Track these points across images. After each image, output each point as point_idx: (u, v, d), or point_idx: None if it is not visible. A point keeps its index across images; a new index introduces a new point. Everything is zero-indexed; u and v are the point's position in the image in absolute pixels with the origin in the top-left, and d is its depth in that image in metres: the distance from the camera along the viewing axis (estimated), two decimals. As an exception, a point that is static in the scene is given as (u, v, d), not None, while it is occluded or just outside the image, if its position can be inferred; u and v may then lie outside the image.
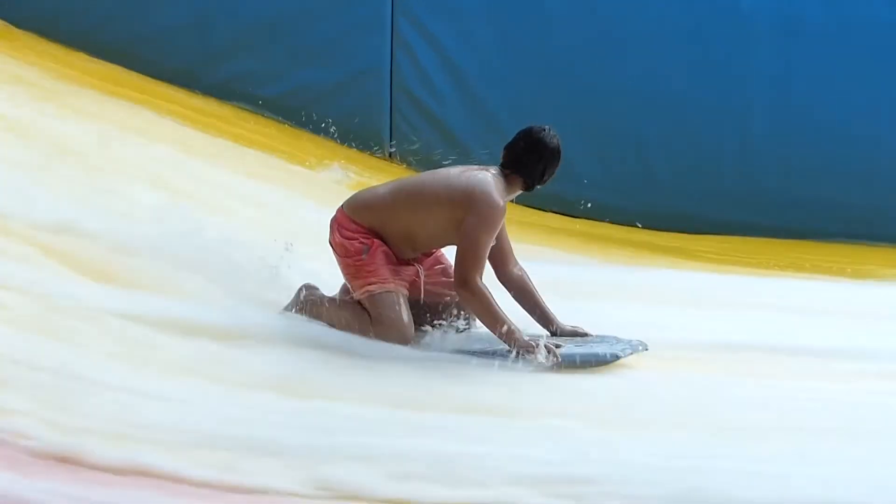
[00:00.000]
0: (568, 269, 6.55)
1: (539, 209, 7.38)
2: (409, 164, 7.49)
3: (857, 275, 6.77)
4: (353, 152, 7.31)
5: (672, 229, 7.37)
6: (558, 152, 4.94)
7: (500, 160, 4.90)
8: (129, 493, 3.36)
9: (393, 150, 7.52)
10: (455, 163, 6.20)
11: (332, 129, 7.22)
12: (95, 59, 7.98)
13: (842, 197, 7.17)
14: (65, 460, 3.45)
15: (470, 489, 3.51)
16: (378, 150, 7.42)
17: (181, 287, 5.14)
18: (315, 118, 7.11)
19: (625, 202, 7.34)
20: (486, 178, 4.81)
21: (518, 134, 4.97)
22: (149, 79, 7.66)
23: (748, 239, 7.29)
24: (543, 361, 4.66)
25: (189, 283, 5.14)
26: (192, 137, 6.95)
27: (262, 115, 7.36)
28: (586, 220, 7.35)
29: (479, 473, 3.62)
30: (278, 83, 7.23)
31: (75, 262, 5.18)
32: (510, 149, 4.90)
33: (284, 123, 7.40)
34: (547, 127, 5.03)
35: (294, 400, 4.25)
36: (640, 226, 7.32)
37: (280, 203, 6.56)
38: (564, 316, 5.12)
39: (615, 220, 7.39)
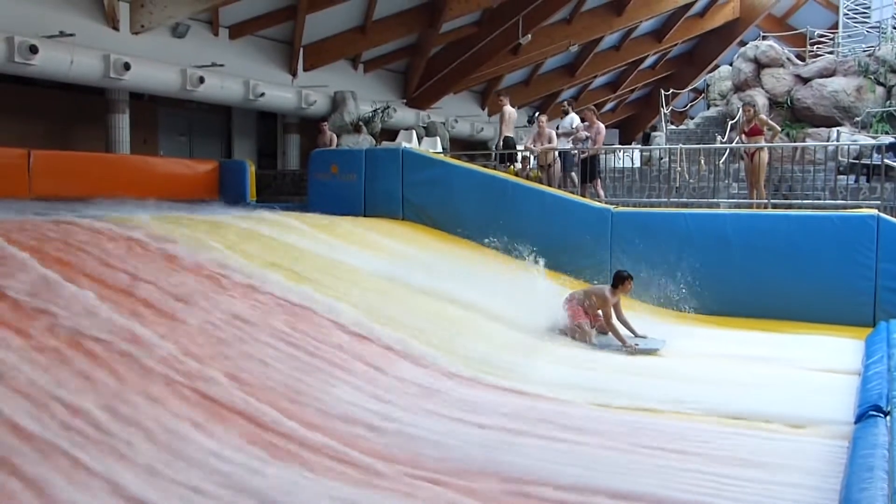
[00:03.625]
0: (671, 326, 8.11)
1: (642, 301, 8.93)
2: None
3: (772, 330, 7.92)
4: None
5: (695, 313, 8.78)
6: (623, 279, 7.41)
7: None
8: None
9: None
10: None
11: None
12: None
13: (773, 301, 8.55)
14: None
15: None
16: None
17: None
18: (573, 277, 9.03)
19: (680, 302, 8.88)
20: (605, 288, 7.43)
21: (616, 273, 7.61)
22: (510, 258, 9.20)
23: (728, 318, 8.53)
24: (633, 352, 6.89)
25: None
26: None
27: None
28: (665, 309, 8.94)
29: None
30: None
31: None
32: (612, 278, 7.60)
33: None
34: (624, 270, 7.64)
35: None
36: (681, 311, 8.85)
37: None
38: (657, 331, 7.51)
39: (675, 309, 8.90)
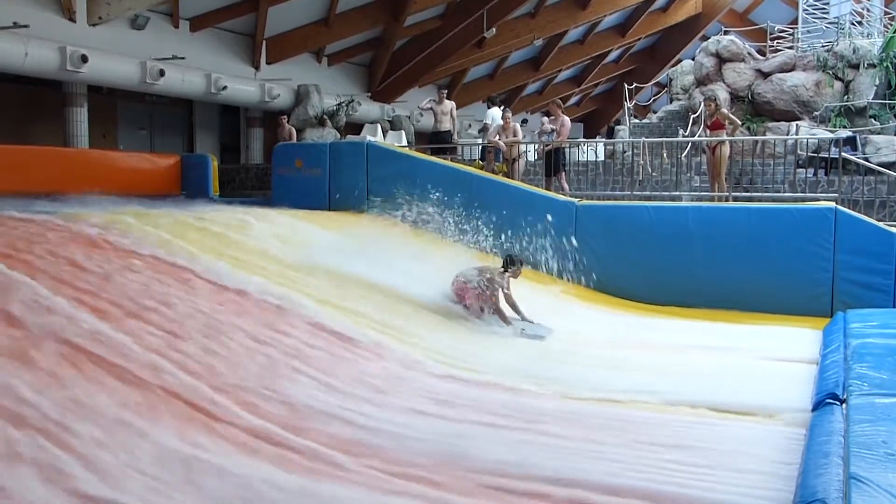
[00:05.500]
0: (619, 317, 8.24)
1: (605, 293, 9.08)
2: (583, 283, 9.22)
3: (733, 321, 7.98)
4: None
5: (657, 304, 8.83)
6: (513, 262, 7.33)
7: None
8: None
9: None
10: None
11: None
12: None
13: (734, 292, 8.61)
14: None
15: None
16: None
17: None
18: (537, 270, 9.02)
19: (643, 294, 9.02)
20: (495, 270, 7.29)
21: (506, 256, 7.48)
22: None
23: (691, 309, 8.59)
24: (518, 334, 6.82)
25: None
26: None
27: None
28: (628, 301, 9.02)
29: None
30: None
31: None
32: (503, 261, 7.44)
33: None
34: (514, 253, 7.59)
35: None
36: (644, 303, 8.91)
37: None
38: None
39: (638, 300, 8.99)
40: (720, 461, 3.86)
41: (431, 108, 13.66)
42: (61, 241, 5.22)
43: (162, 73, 15.69)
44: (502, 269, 7.33)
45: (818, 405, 4.41)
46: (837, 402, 4.27)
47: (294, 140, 14.63)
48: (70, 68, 13.91)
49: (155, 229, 6.15)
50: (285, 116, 15.36)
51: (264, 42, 19.11)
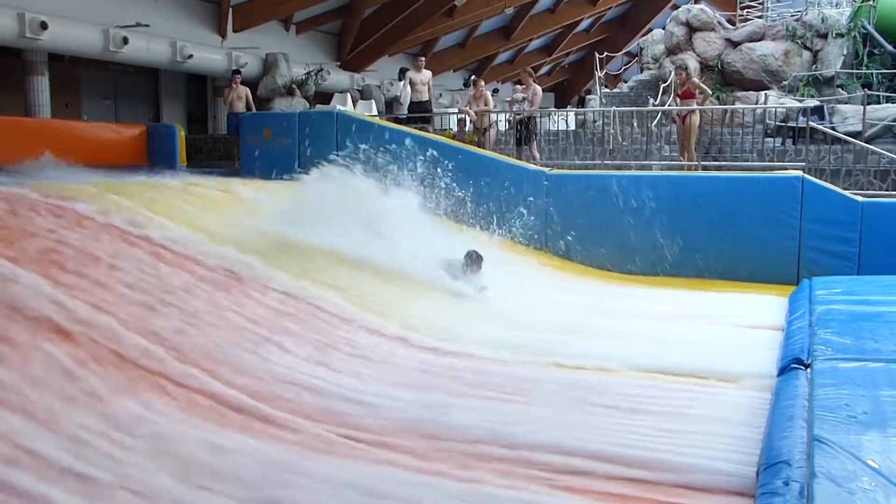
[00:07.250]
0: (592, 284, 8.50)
1: (575, 262, 9.32)
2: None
3: (701, 288, 8.24)
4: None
5: (626, 272, 9.07)
6: (473, 259, 7.38)
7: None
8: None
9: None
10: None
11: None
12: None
13: (702, 260, 8.77)
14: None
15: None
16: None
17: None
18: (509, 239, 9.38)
19: (612, 263, 9.19)
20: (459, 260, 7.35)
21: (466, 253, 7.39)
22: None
23: (659, 277, 8.83)
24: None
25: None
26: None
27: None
28: (597, 269, 9.21)
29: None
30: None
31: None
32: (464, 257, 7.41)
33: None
34: (473, 251, 7.46)
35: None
36: (613, 271, 9.13)
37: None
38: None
39: (607, 269, 9.18)
40: (688, 425, 3.96)
41: (409, 78, 13.17)
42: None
43: (125, 40, 15.35)
44: (463, 264, 7.39)
45: (783, 370, 4.51)
46: (802, 367, 4.37)
47: (249, 101, 13.71)
48: (29, 35, 13.55)
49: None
50: (240, 74, 14.39)
51: (231, 9, 18.75)
